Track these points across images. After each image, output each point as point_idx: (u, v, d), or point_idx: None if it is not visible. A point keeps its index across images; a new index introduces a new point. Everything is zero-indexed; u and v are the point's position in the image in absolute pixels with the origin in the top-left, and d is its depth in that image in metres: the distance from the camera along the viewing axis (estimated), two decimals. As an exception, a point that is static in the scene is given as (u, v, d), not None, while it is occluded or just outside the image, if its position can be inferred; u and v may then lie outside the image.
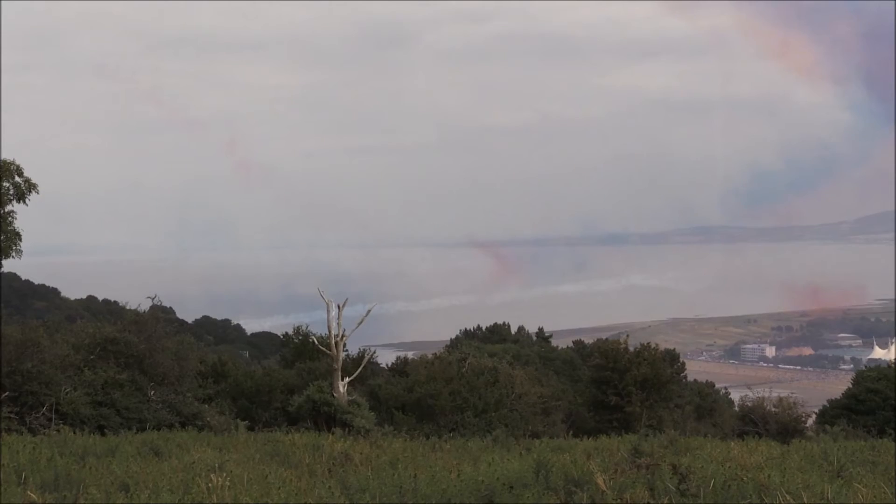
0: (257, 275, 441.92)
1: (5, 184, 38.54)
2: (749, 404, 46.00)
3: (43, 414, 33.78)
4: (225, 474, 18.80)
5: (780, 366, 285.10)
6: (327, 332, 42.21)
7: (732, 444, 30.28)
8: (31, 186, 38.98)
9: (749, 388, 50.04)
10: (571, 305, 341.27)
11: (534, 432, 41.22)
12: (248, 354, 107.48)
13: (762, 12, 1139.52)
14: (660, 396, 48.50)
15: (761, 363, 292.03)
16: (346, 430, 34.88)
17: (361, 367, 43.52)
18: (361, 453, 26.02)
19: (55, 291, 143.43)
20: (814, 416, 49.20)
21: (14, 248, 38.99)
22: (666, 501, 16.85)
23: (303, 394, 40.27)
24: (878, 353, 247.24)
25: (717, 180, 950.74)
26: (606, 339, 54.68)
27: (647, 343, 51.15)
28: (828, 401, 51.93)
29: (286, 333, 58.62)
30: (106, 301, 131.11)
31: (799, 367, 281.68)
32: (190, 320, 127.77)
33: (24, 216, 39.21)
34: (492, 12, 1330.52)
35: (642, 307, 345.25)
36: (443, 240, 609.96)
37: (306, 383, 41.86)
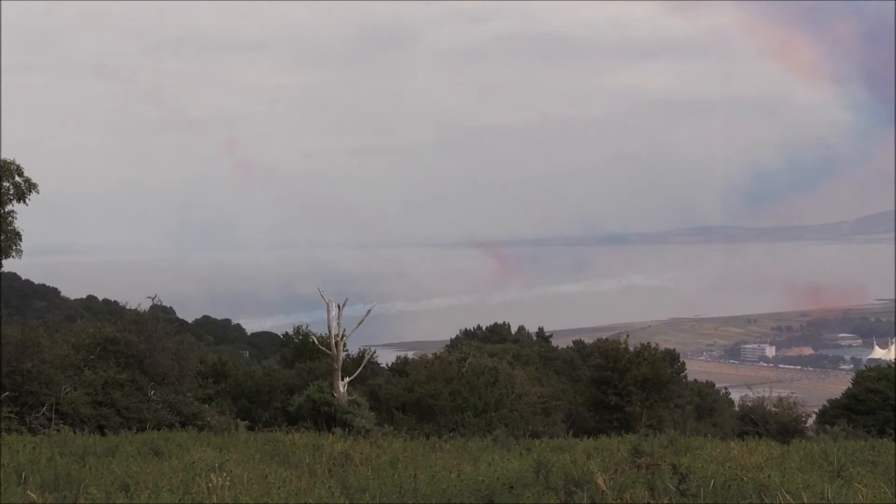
0: (257, 275, 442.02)
1: (5, 184, 38.55)
2: (749, 404, 45.98)
3: (43, 414, 33.78)
4: (225, 474, 18.80)
5: (781, 366, 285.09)
6: (327, 332, 42.20)
7: (732, 444, 30.27)
8: (31, 186, 38.99)
9: (749, 388, 49.99)
10: (571, 305, 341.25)
11: (534, 432, 41.22)
12: (248, 354, 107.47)
13: (763, 12, 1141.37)
14: (660, 396, 48.50)
15: (761, 363, 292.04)
16: (347, 429, 34.88)
17: (361, 366, 43.52)
18: (361, 453, 26.02)
19: (55, 291, 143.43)
20: (814, 416, 49.19)
21: (14, 247, 39.00)
22: (666, 501, 16.84)
23: (303, 394, 40.27)
24: (879, 353, 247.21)
25: (717, 180, 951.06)
26: (606, 339, 54.67)
27: (648, 343, 51.15)
28: (828, 401, 51.91)
29: (286, 333, 58.64)
30: (106, 301, 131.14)
31: (799, 367, 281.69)
32: (190, 320, 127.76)
33: (24, 216, 39.26)
34: (492, 12, 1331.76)
35: (642, 307, 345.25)
36: (443, 240, 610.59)
37: (306, 383, 41.86)
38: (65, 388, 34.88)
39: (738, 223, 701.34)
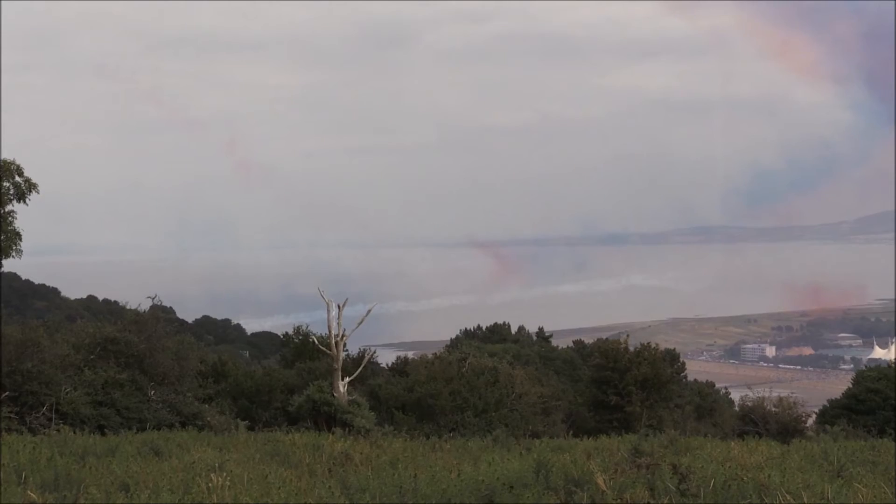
0: (257, 275, 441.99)
1: (5, 184, 38.57)
2: (749, 404, 45.99)
3: (43, 414, 33.78)
4: (225, 474, 18.80)
5: (781, 366, 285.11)
6: (327, 332, 42.20)
7: (732, 443, 30.29)
8: (32, 186, 39.03)
9: (749, 388, 50.00)
10: (571, 305, 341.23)
11: (534, 432, 41.21)
12: (248, 354, 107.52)
13: (763, 12, 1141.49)
14: (660, 396, 48.51)
15: (761, 363, 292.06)
16: (347, 429, 34.88)
17: (361, 366, 43.52)
18: (361, 453, 26.02)
19: (55, 291, 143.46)
20: (814, 416, 49.20)
21: (14, 247, 39.03)
22: (666, 501, 16.84)
23: (303, 394, 40.27)
24: (879, 352, 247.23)
25: (717, 180, 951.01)
26: (606, 338, 54.70)
27: (648, 343, 51.16)
28: (828, 401, 51.92)
29: (286, 333, 58.67)
30: (106, 301, 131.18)
31: (799, 367, 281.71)
32: (190, 320, 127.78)
33: (24, 216, 39.29)
34: (492, 12, 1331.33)
35: (642, 307, 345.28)
36: (443, 240, 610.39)
37: (306, 383, 41.87)
38: (65, 388, 34.89)
39: (738, 223, 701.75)
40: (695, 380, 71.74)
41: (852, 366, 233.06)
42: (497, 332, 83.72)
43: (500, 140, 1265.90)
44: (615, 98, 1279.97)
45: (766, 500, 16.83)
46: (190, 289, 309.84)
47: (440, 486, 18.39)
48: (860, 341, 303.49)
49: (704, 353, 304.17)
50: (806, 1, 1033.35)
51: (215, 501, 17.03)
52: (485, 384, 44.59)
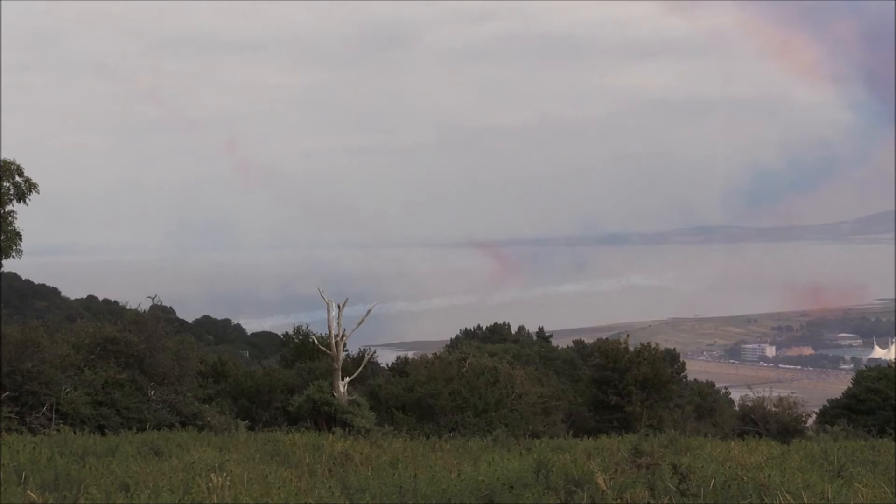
0: (257, 275, 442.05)
1: (5, 184, 38.58)
2: (749, 404, 46.00)
3: (43, 414, 33.78)
4: (225, 474, 18.80)
5: (781, 365, 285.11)
6: (327, 332, 42.21)
7: (733, 443, 30.29)
8: (32, 186, 39.03)
9: (749, 388, 50.00)
10: (571, 305, 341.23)
11: (534, 432, 41.21)
12: (248, 354, 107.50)
13: (763, 12, 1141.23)
14: (660, 396, 48.51)
15: (761, 363, 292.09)
16: (347, 429, 34.88)
17: (362, 366, 43.53)
18: (361, 453, 26.02)
19: (55, 291, 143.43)
20: (814, 416, 49.20)
21: (14, 247, 39.03)
22: (666, 501, 16.84)
23: (303, 393, 40.28)
24: (879, 352, 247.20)
25: (717, 180, 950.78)
26: (606, 338, 54.70)
27: (648, 343, 51.17)
28: (828, 400, 51.91)
29: (286, 333, 58.67)
30: (106, 301, 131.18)
31: (799, 367, 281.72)
32: (190, 320, 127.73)
33: (24, 216, 39.30)
34: (492, 12, 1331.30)
35: (642, 307, 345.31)
36: (443, 240, 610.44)
37: (306, 383, 41.87)
38: (65, 388, 34.89)
39: (738, 223, 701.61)
40: (695, 380, 71.71)
41: (852, 366, 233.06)
42: (497, 332, 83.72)
43: (500, 140, 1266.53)
44: (615, 98, 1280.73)
45: (766, 500, 16.83)
46: (190, 289, 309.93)
47: (440, 486, 18.38)
48: (860, 341, 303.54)
49: (704, 353, 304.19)
50: (806, 1, 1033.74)
51: (215, 501, 17.03)
52: (485, 384, 44.58)
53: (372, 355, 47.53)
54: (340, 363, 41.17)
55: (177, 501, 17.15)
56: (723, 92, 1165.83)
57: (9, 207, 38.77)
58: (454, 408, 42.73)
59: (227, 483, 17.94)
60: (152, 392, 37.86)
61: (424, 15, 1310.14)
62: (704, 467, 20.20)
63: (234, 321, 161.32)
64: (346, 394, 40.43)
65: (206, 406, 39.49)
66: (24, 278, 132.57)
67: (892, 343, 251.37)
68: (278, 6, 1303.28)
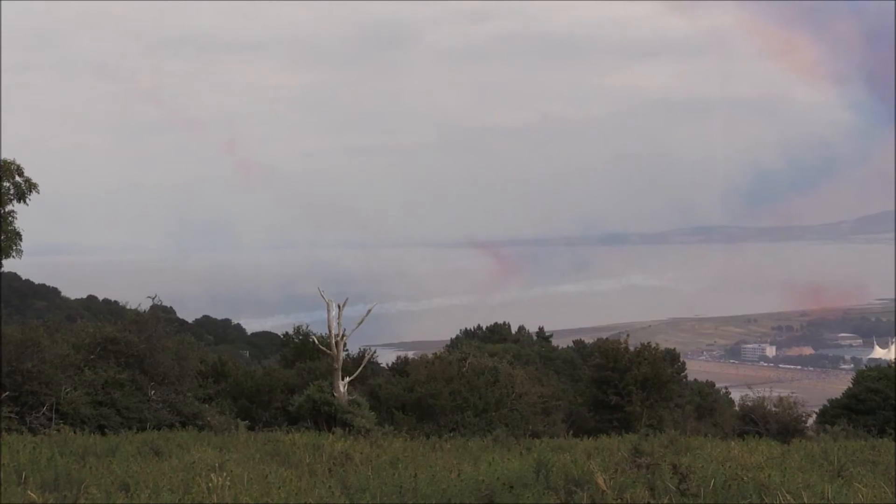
0: (257, 274, 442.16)
1: (5, 184, 38.59)
2: (749, 404, 45.99)
3: (43, 414, 33.78)
4: (225, 474, 18.81)
5: (781, 365, 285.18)
6: (327, 332, 42.23)
7: (733, 443, 30.30)
8: (32, 186, 39.05)
9: (749, 388, 49.94)
10: (571, 305, 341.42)
11: (534, 432, 41.23)
12: (248, 354, 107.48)
13: (763, 12, 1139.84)
14: (660, 396, 48.51)
15: (761, 363, 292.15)
16: (347, 429, 34.88)
17: (362, 366, 43.53)
18: (362, 453, 26.02)
19: (55, 291, 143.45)
20: (814, 416, 49.20)
21: (14, 247, 39.04)
22: (666, 501, 16.84)
23: (303, 393, 40.28)
24: (879, 352, 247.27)
25: (717, 180, 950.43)
26: (607, 338, 54.73)
27: (648, 343, 51.17)
28: (828, 400, 51.90)
29: (286, 333, 58.67)
30: (106, 301, 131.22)
31: (799, 367, 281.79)
32: (190, 320, 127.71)
33: (24, 216, 39.31)
34: (492, 12, 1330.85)
35: (642, 307, 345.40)
36: (443, 240, 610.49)
37: (306, 383, 41.88)
38: (65, 388, 34.89)
39: (738, 223, 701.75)
40: (695, 380, 71.71)
41: (852, 366, 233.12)
42: (497, 332, 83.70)
43: (500, 140, 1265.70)
44: (615, 98, 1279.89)
45: (766, 500, 16.83)
46: (190, 289, 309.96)
47: (440, 486, 18.38)
48: (860, 341, 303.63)
49: (704, 352, 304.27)
50: (806, 1, 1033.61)
51: (215, 501, 17.03)
52: (485, 384, 44.59)
53: (372, 355, 47.53)
54: (340, 363, 41.18)
55: (177, 501, 17.15)
56: (723, 92, 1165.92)
57: (9, 207, 38.78)
58: (454, 408, 42.74)
59: (227, 483, 17.94)
60: (152, 392, 37.86)
61: (424, 15, 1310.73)
62: (704, 467, 20.20)
63: (235, 321, 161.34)
64: (346, 394, 40.44)
65: (207, 406, 39.48)
66: (24, 278, 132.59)
67: (892, 343, 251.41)
68: (278, 6, 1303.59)
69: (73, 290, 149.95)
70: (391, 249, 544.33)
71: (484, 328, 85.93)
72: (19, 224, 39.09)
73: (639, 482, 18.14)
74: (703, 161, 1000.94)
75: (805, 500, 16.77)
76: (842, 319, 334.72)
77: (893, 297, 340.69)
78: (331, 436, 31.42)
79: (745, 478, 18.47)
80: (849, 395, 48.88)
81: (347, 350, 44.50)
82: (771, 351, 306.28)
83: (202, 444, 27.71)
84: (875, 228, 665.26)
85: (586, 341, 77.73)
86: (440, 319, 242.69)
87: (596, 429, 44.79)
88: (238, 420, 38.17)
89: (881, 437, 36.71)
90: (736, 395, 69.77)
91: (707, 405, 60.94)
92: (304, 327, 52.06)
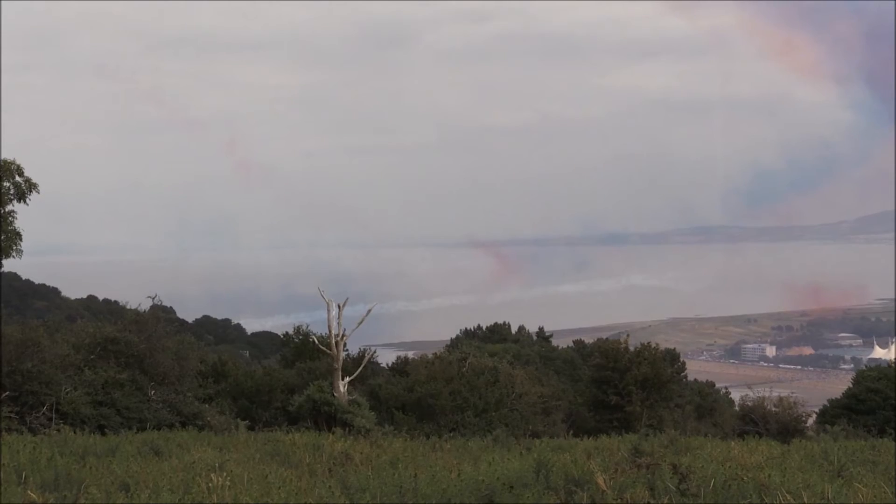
0: (257, 274, 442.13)
1: (6, 184, 38.59)
2: (749, 404, 46.00)
3: (43, 413, 33.78)
4: (225, 474, 18.81)
5: (781, 365, 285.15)
6: (327, 332, 42.23)
7: (733, 443, 30.30)
8: (32, 186, 39.05)
9: (749, 388, 49.95)
10: (571, 305, 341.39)
11: (534, 432, 41.24)
12: (248, 354, 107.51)
13: (763, 12, 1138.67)
14: (660, 396, 48.52)
15: (762, 363, 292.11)
16: (347, 429, 34.88)
17: (362, 366, 43.53)
18: (362, 453, 26.02)
19: (55, 291, 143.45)
20: (814, 416, 49.21)
21: (14, 247, 39.04)
22: (666, 501, 16.84)
23: (303, 393, 40.28)
24: (879, 352, 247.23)
25: (717, 180, 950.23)
26: (607, 338, 54.73)
27: (648, 343, 51.17)
28: (828, 400, 51.92)
29: (286, 333, 58.66)
30: (106, 301, 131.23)
31: (799, 367, 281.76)
32: (190, 320, 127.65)
33: (24, 216, 39.31)
34: (492, 12, 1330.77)
35: (642, 307, 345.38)
36: (443, 240, 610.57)
37: (307, 383, 41.88)
38: (65, 388, 34.89)
39: (738, 223, 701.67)
40: (695, 380, 71.72)
41: (852, 365, 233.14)
42: (497, 332, 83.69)
43: (500, 140, 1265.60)
44: (615, 98, 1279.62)
45: (766, 500, 16.83)
46: (190, 289, 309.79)
47: (440, 486, 18.38)
48: (860, 341, 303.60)
49: (704, 352, 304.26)
50: (806, 1, 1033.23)
51: (215, 501, 17.03)
52: (485, 384, 44.59)
53: (372, 355, 47.53)
54: (340, 363, 41.18)
55: (177, 501, 17.15)
56: (723, 92, 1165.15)
57: (9, 207, 38.78)
58: (454, 408, 42.74)
59: (227, 483, 17.94)
60: (152, 392, 37.86)
61: (424, 15, 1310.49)
62: (704, 467, 20.20)
63: (235, 321, 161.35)
64: (346, 394, 40.44)
65: (207, 406, 39.48)
66: (24, 278, 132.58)
67: (892, 343, 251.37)
68: (278, 6, 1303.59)
69: (73, 290, 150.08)
70: (391, 249, 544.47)
71: (484, 328, 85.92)
72: (19, 224, 39.12)
73: (639, 482, 18.14)
74: (703, 161, 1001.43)
75: (805, 500, 16.77)
76: (842, 319, 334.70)
77: (893, 297, 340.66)
78: (331, 436, 31.41)
79: (745, 478, 18.47)
80: (849, 395, 48.89)
81: (347, 350, 44.50)
82: (771, 351, 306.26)
83: (202, 444, 27.71)
84: (875, 228, 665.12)
85: (586, 341, 77.74)
86: (440, 319, 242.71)
87: (596, 429, 44.79)
88: (238, 420, 38.16)
89: (881, 437, 36.71)
90: (736, 395, 69.77)
91: (707, 405, 60.95)
92: (304, 327, 52.07)
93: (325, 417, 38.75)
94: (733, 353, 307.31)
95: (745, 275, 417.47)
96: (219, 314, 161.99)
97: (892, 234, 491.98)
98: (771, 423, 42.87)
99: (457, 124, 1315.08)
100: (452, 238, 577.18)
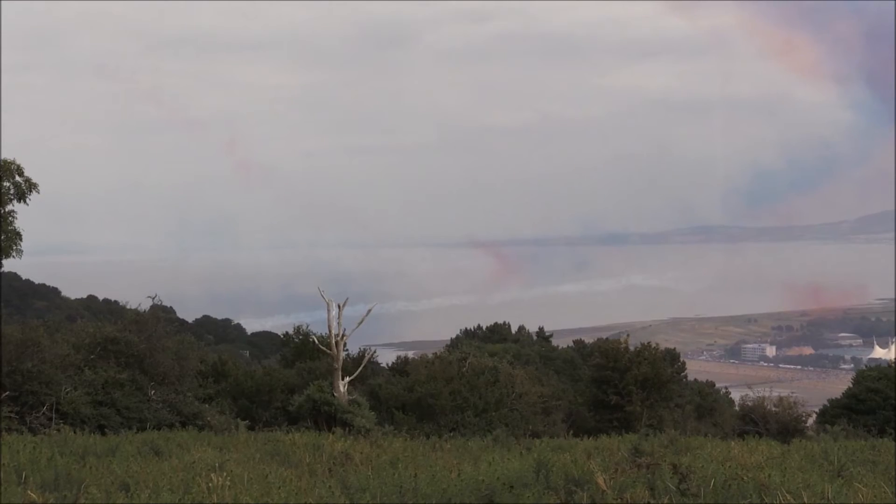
0: (258, 274, 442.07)
1: (6, 183, 38.58)
2: (749, 404, 45.99)
3: (43, 413, 33.78)
4: (225, 474, 18.80)
5: (781, 365, 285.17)
6: (328, 332, 42.22)
7: (733, 443, 30.30)
8: (32, 186, 39.04)
9: (749, 388, 49.96)
10: (571, 305, 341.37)
11: (534, 432, 41.23)
12: (248, 354, 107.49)
13: (763, 12, 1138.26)
14: (660, 396, 48.51)
15: (762, 363, 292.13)
16: (347, 429, 34.88)
17: (362, 366, 43.53)
18: (362, 453, 26.02)
19: (55, 291, 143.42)
20: (814, 416, 49.21)
21: (14, 247, 39.04)
22: (666, 501, 16.84)
23: (303, 393, 40.28)
24: (879, 352, 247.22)
25: (717, 180, 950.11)
26: (607, 338, 54.72)
27: (648, 342, 51.16)
28: (828, 400, 51.92)
29: (286, 333, 58.65)
30: (106, 301, 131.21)
31: (799, 367, 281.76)
32: (190, 320, 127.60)
33: (24, 216, 39.30)
34: (492, 12, 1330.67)
35: (642, 307, 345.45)
36: (443, 240, 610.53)
37: (307, 383, 41.87)
38: (65, 388, 34.88)
39: (738, 223, 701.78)
40: (695, 379, 71.72)
41: (852, 365, 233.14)
42: (497, 332, 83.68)
43: (500, 140, 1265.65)
44: (615, 98, 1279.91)
45: (766, 500, 16.83)
46: (190, 289, 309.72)
47: (440, 486, 18.38)
48: (860, 341, 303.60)
49: (704, 352, 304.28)
50: (806, 1, 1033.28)
51: (215, 501, 17.02)
52: (485, 384, 44.58)
53: (372, 355, 47.53)
54: (340, 363, 41.18)
55: (177, 501, 17.14)
56: (723, 92, 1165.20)
57: (9, 207, 38.78)
58: (454, 407, 42.74)
59: (227, 483, 17.94)
60: (152, 392, 37.86)
61: (424, 15, 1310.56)
62: (704, 467, 20.19)
63: (235, 321, 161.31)
64: (346, 393, 40.43)
65: (207, 406, 39.48)
66: (24, 278, 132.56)
67: (892, 343, 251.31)
68: (278, 6, 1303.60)
69: (73, 290, 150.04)
70: (391, 249, 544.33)
71: (484, 328, 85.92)
72: (19, 224, 39.11)
73: (639, 482, 18.13)
74: (703, 161, 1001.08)
75: (805, 500, 16.76)
76: (842, 319, 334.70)
77: (893, 297, 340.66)
78: (331, 436, 31.41)
79: (745, 478, 18.47)
80: (849, 395, 48.89)
81: (347, 350, 44.50)
82: (771, 351, 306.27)
83: (202, 444, 27.70)
84: (875, 228, 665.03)
85: (586, 341, 77.72)
86: (440, 319, 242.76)
87: (596, 429, 44.78)
88: (238, 420, 38.16)
89: (881, 437, 36.71)
90: (736, 395, 69.78)
91: (707, 405, 60.95)
92: (304, 327, 52.06)
93: (325, 417, 38.75)
94: (733, 352, 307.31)
95: (745, 275, 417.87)
96: (219, 314, 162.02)
97: (893, 234, 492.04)
98: (771, 423, 42.86)
99: (457, 124, 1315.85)
100: (452, 238, 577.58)
